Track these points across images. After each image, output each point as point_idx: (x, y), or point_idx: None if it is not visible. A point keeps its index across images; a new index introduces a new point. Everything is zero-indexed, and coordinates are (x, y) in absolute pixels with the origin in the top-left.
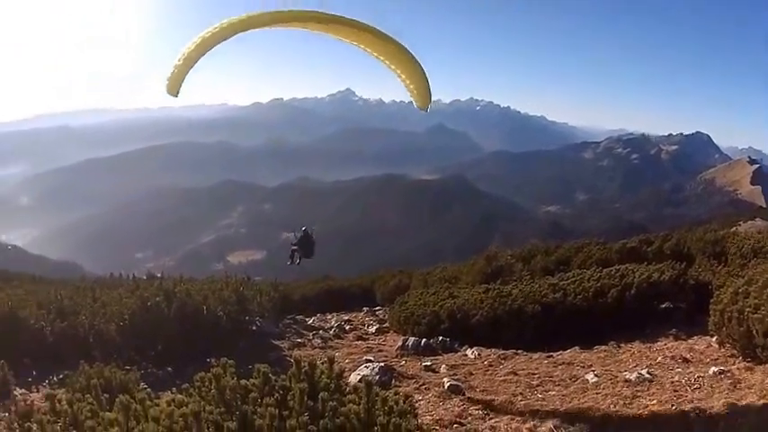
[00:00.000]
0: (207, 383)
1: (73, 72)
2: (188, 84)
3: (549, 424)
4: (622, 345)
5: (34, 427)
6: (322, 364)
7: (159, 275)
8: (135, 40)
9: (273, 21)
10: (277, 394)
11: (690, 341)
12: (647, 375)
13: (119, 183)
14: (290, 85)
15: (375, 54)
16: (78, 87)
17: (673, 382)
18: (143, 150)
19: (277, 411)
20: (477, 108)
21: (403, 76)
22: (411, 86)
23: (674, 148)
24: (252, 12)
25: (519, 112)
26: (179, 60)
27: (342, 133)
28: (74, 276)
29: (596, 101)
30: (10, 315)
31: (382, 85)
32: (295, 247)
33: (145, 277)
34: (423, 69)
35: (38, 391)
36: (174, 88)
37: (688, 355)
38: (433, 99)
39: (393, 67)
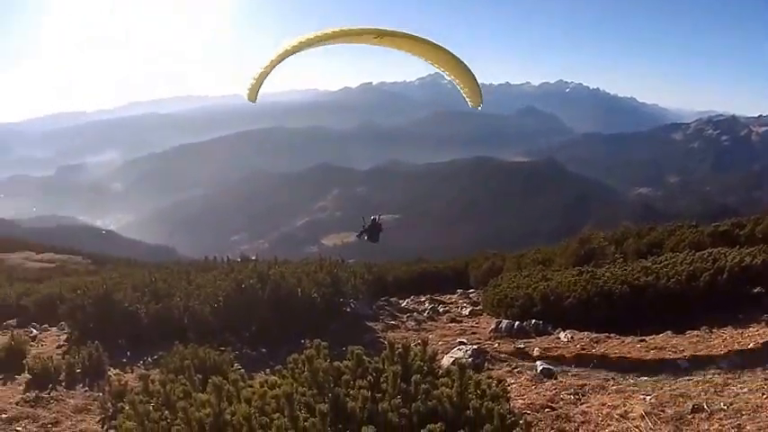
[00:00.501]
0: (300, 365)
1: (160, 62)
2: (278, 70)
3: (641, 410)
4: (714, 330)
5: (127, 406)
6: (415, 346)
7: (254, 258)
8: (219, 31)
9: (338, 36)
10: (370, 376)
11: None
12: (739, 362)
13: (211, 168)
14: (379, 69)
15: (429, 61)
16: (165, 76)
17: (765, 369)
18: (235, 136)
19: (369, 394)
20: (567, 90)
21: (456, 80)
22: (465, 89)
23: (765, 129)
24: (319, 30)
25: (608, 93)
26: (257, 73)
27: (432, 116)
28: (168, 260)
29: (684, 82)
30: (105, 297)
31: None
32: (363, 232)
33: (239, 260)
34: (472, 73)
35: (132, 372)
36: (252, 96)
37: None
38: (522, 81)
39: (447, 72)
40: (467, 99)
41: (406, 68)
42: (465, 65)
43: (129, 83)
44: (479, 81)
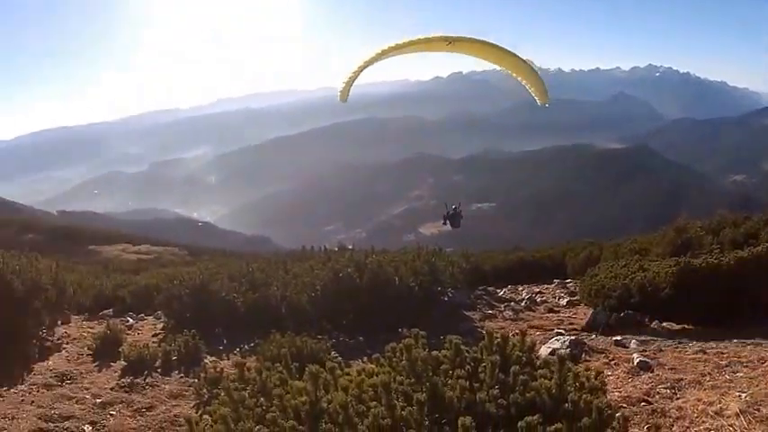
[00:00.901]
0: (398, 354)
1: (251, 58)
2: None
3: (736, 407)
4: None
5: (222, 392)
6: (514, 336)
7: (350, 247)
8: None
9: (414, 45)
10: (468, 366)
11: None
12: None
13: (305, 160)
14: (469, 58)
15: (496, 64)
16: (256, 72)
17: None
18: (327, 128)
19: (468, 384)
20: (657, 74)
21: (523, 81)
22: (532, 88)
23: None
24: (399, 39)
25: (698, 77)
26: (346, 77)
27: (523, 104)
28: (264, 250)
29: None
30: (201, 287)
31: (559, 55)
32: (446, 219)
33: (336, 249)
34: (537, 73)
35: (228, 360)
36: (343, 97)
37: None
38: (612, 66)
39: (513, 73)
40: (535, 98)
41: None
42: (530, 66)
43: (221, 80)
44: (570, 67)
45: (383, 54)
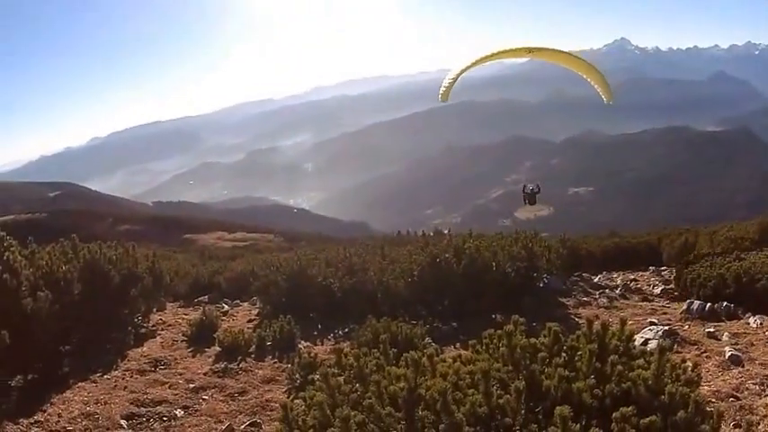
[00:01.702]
0: (496, 341)
1: (346, 44)
2: (457, 44)
3: None
4: None
5: (317, 378)
6: (612, 325)
7: (447, 232)
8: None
9: (501, 54)
10: (565, 355)
11: None
12: None
13: (404, 144)
14: (562, 37)
15: (567, 66)
16: (353, 57)
17: None
18: (425, 112)
19: (565, 372)
20: (756, 52)
21: (590, 80)
22: (598, 87)
23: None
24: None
25: None
26: (446, 81)
27: (622, 84)
28: (362, 235)
29: None
30: (299, 273)
31: (657, 33)
32: (525, 198)
33: (432, 234)
34: (601, 72)
35: (322, 345)
36: (444, 98)
37: None
38: (710, 45)
39: (581, 73)
40: (601, 95)
41: (591, 36)
42: (595, 67)
43: (315, 68)
44: (668, 45)
45: (477, 63)
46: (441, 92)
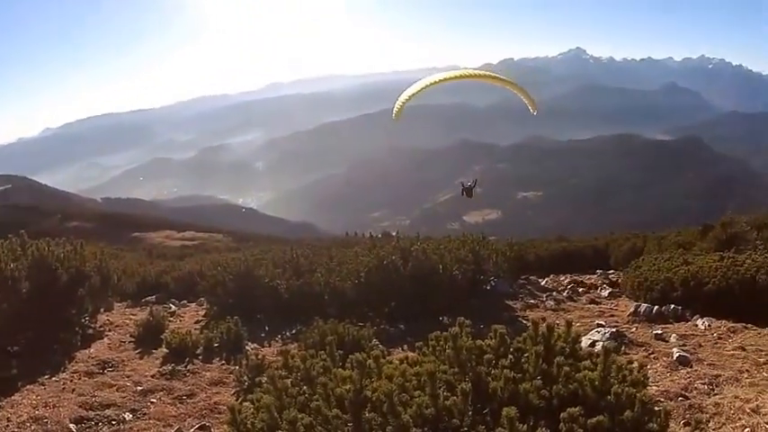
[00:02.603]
0: (442, 342)
1: (300, 43)
2: (415, 47)
3: None
4: None
5: (265, 380)
6: (558, 327)
7: (395, 234)
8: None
9: (454, 77)
10: (511, 356)
11: None
12: None
13: (354, 145)
14: (519, 45)
15: (499, 84)
16: (307, 57)
17: None
18: (377, 114)
19: (511, 374)
20: (710, 66)
21: (519, 95)
22: (524, 100)
23: None
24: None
25: (751, 70)
26: (400, 100)
27: (574, 92)
28: (309, 236)
29: None
30: (246, 273)
31: (612, 43)
32: (464, 191)
33: (380, 236)
34: (523, 88)
35: (269, 347)
36: (396, 118)
37: None
38: (664, 56)
39: (513, 90)
40: (528, 106)
41: (547, 44)
42: (519, 86)
43: (271, 65)
44: (622, 56)
45: (428, 87)
46: (394, 112)
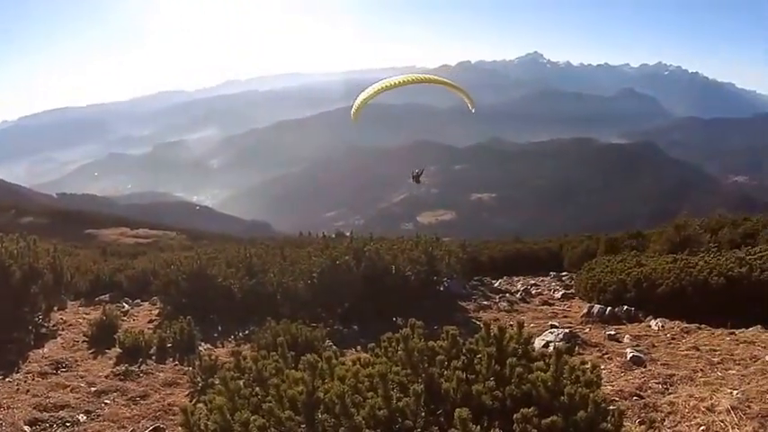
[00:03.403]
0: (394, 344)
1: (257, 39)
2: (387, 45)
3: (727, 404)
4: None
5: (218, 382)
6: (510, 328)
7: (348, 234)
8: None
9: (407, 81)
10: (464, 358)
11: None
12: None
13: (310, 144)
14: (477, 47)
15: (444, 87)
16: (263, 54)
17: None
18: (333, 112)
19: (464, 375)
20: (666, 73)
21: (460, 95)
22: (464, 99)
23: None
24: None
25: (707, 78)
26: (358, 101)
27: (532, 95)
28: (263, 236)
29: None
30: (198, 273)
31: (570, 49)
32: (414, 178)
33: (334, 236)
34: (463, 88)
35: (223, 347)
36: (355, 119)
37: None
38: (621, 63)
39: (452, 91)
40: (468, 104)
41: (505, 48)
42: (459, 87)
43: (229, 61)
44: (579, 61)
45: (382, 90)
46: (352, 113)
